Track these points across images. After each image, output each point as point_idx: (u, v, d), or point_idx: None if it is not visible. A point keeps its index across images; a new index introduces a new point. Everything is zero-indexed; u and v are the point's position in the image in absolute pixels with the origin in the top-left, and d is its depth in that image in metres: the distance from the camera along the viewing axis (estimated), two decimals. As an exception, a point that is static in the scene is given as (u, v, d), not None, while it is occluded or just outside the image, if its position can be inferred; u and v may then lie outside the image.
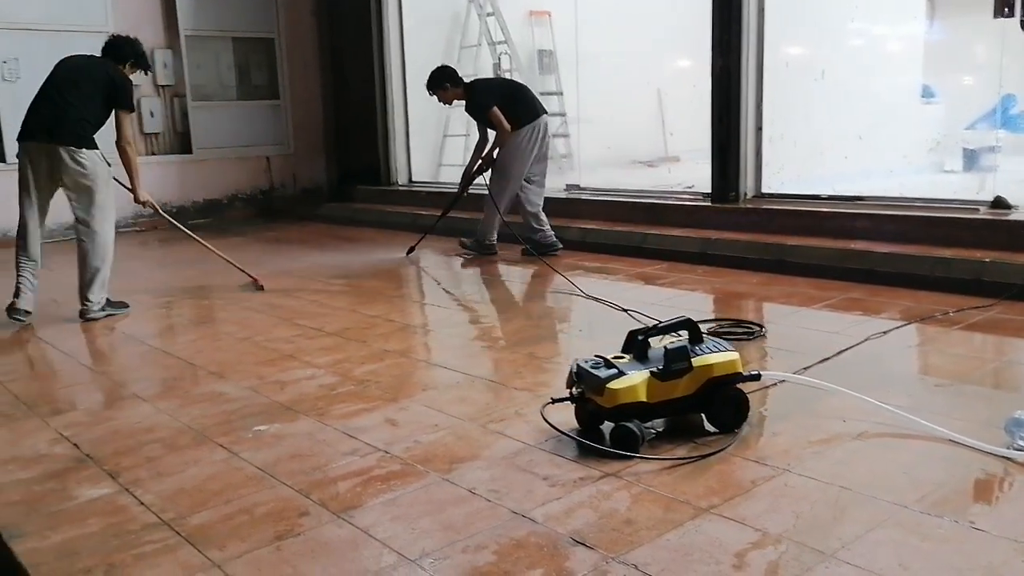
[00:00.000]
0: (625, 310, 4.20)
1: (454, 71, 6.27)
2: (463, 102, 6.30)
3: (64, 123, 4.53)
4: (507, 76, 9.34)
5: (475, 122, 6.51)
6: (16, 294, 4.62)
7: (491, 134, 6.29)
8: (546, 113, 6.24)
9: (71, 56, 4.82)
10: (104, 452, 2.76)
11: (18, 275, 4.67)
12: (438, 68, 6.31)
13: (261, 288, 5.44)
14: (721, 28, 5.96)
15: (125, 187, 5.05)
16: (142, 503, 2.37)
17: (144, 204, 5.16)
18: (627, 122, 10.41)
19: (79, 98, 4.60)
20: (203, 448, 2.76)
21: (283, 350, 3.96)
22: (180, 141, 9.32)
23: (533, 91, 6.43)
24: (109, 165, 4.75)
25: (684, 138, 10.31)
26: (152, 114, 9.05)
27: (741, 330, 3.89)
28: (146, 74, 5.33)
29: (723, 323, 4.01)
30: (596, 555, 1.98)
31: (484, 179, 6.36)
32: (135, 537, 2.17)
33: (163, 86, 9.13)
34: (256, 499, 2.36)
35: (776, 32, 6.01)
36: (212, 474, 2.55)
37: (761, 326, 3.94)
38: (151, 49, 8.92)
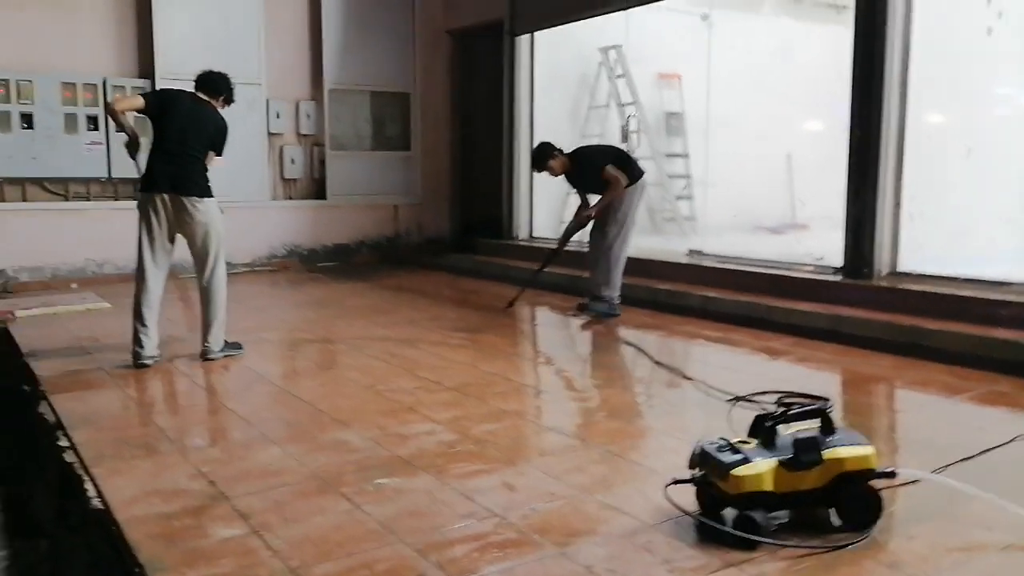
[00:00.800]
0: (738, 398, 4.04)
1: (552, 144, 6.47)
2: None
3: (188, 175, 4.75)
4: (634, 137, 9.39)
5: (576, 188, 6.64)
6: (138, 343, 4.73)
7: (591, 198, 6.43)
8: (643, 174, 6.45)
9: (179, 95, 4.97)
10: (237, 491, 2.89)
11: (139, 324, 4.74)
12: (539, 145, 6.50)
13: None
14: (861, 100, 5.83)
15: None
16: (270, 547, 2.46)
17: None
18: (755, 186, 10.24)
19: (198, 150, 4.82)
20: (328, 496, 2.86)
21: (404, 402, 4.06)
22: (316, 187, 9.80)
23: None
24: (222, 212, 4.96)
25: (814, 206, 10.06)
26: (293, 161, 9.57)
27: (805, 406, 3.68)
28: (227, 107, 5.22)
29: (788, 396, 3.86)
30: (716, 652, 1.92)
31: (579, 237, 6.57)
32: (263, 583, 2.25)
33: (304, 135, 9.65)
34: (376, 555, 2.42)
35: (918, 104, 5.82)
36: (336, 524, 2.63)
37: (827, 400, 3.74)
38: (297, 101, 9.51)
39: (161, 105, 4.88)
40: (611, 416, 4.03)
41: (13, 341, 5.52)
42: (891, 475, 2.64)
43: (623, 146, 9.09)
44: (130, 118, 4.82)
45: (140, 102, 4.86)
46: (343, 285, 8.27)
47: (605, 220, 6.28)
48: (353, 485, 2.96)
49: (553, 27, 9.17)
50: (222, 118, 5.01)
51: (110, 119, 5.01)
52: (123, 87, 8.27)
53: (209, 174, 4.91)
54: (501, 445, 3.42)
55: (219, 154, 4.97)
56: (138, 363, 4.73)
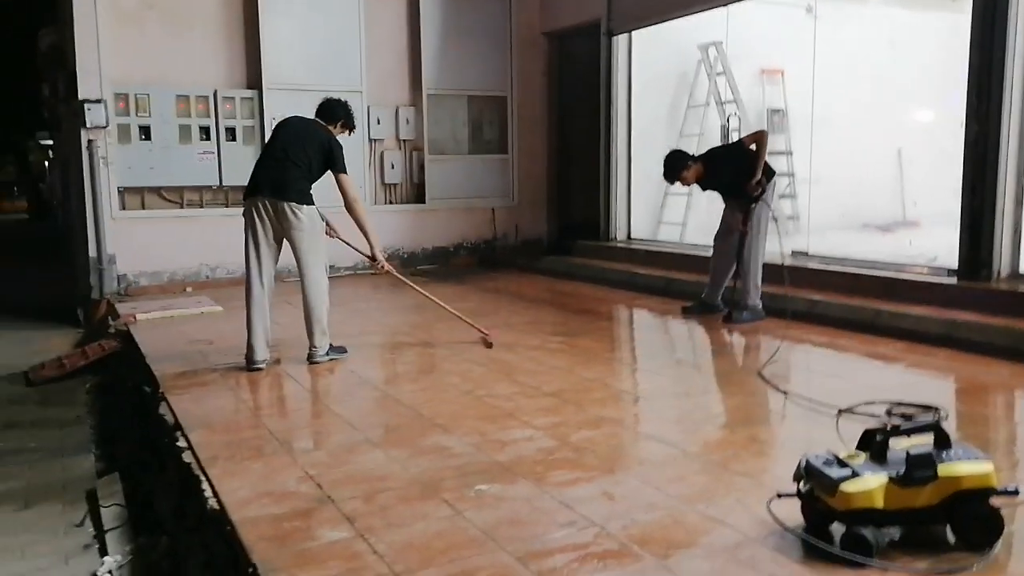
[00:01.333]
0: (842, 411, 3.92)
1: (684, 151, 6.30)
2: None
3: (288, 181, 4.89)
4: (735, 135, 9.19)
5: (716, 190, 6.33)
6: (250, 347, 4.93)
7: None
8: None
9: (291, 118, 5.21)
10: (343, 495, 2.98)
11: (250, 330, 4.92)
12: (671, 155, 6.28)
13: (490, 345, 5.53)
14: (979, 92, 5.55)
15: (363, 253, 5.39)
16: (375, 552, 2.53)
17: (381, 270, 5.42)
18: (862, 183, 9.87)
19: (301, 159, 4.95)
20: (430, 502, 2.92)
21: (503, 407, 4.10)
22: (415, 192, 10.00)
23: None
24: (323, 219, 5.09)
25: (926, 203, 9.62)
26: (392, 166, 9.79)
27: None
28: (350, 134, 5.37)
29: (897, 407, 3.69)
30: (824, 675, 1.87)
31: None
32: (369, 586, 2.32)
33: (404, 140, 9.85)
34: (477, 562, 2.46)
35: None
36: (438, 531, 2.68)
37: (940, 410, 3.57)
38: (396, 107, 9.72)
39: (275, 128, 5.20)
40: (712, 425, 3.97)
41: (135, 343, 5.85)
42: (1015, 493, 2.51)
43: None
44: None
45: None
46: (442, 288, 8.37)
47: (740, 224, 6.06)
48: (454, 491, 3.01)
49: (651, 26, 9.08)
50: (330, 135, 5.12)
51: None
52: (232, 98, 8.67)
53: (314, 186, 5.04)
54: (600, 453, 3.42)
55: (338, 170, 5.03)
56: (251, 367, 4.93)
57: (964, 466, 2.46)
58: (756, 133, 6.12)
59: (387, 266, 5.43)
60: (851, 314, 5.87)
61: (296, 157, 4.95)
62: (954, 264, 5.81)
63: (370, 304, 7.73)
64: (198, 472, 3.26)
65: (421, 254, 9.96)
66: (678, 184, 6.32)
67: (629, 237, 9.69)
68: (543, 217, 10.81)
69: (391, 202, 9.87)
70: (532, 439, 3.61)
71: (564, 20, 10.14)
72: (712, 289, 6.36)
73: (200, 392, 4.51)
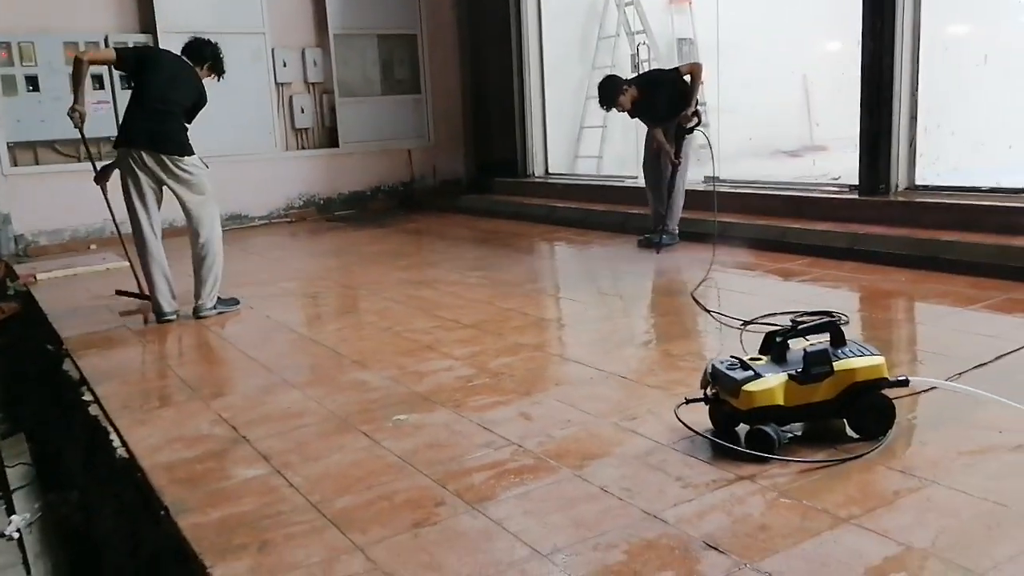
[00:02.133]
0: (747, 322, 4.06)
1: (619, 76, 6.19)
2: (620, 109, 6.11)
3: (169, 133, 4.62)
4: (645, 66, 9.19)
5: (644, 118, 6.23)
6: (155, 300, 4.77)
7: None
8: None
9: (159, 54, 4.90)
10: (258, 435, 2.95)
11: (151, 282, 4.78)
12: (606, 80, 6.15)
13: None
14: (872, 11, 5.66)
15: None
16: (291, 484, 2.53)
17: None
18: (770, 110, 10.05)
19: (178, 107, 4.67)
20: (347, 435, 2.91)
21: (422, 341, 4.10)
22: (328, 136, 9.76)
23: None
24: (207, 167, 4.82)
25: (832, 126, 9.86)
26: (303, 110, 9.51)
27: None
28: (218, 79, 5.08)
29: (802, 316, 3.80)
30: (729, 560, 1.96)
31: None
32: (285, 517, 2.32)
33: (313, 83, 9.57)
34: (395, 487, 2.47)
35: (934, 13, 5.64)
36: (355, 460, 2.69)
37: (843, 315, 3.70)
38: (302, 48, 9.40)
39: (141, 61, 4.82)
40: (629, 345, 4.05)
41: (35, 303, 5.62)
42: (904, 383, 2.65)
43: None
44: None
45: (112, 55, 4.84)
46: (361, 232, 8.29)
47: (673, 156, 6.05)
48: (372, 423, 3.01)
49: (557, -44, 8.96)
50: (203, 86, 4.86)
51: (70, 76, 4.76)
52: (125, 43, 8.25)
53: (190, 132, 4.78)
54: (518, 377, 3.46)
55: (189, 122, 4.78)
56: (160, 319, 4.80)
57: (858, 360, 2.57)
58: (692, 64, 6.07)
59: None
60: (762, 234, 6.03)
61: (174, 106, 4.67)
62: (856, 181, 5.99)
63: (286, 252, 7.59)
64: (106, 424, 3.18)
65: (338, 199, 9.78)
66: (615, 111, 6.20)
67: (547, 172, 9.69)
68: (460, 156, 10.70)
69: (303, 147, 9.61)
70: (451, 369, 3.62)
71: (470, -46, 9.93)
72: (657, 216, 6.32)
73: (107, 347, 4.38)
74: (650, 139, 6.29)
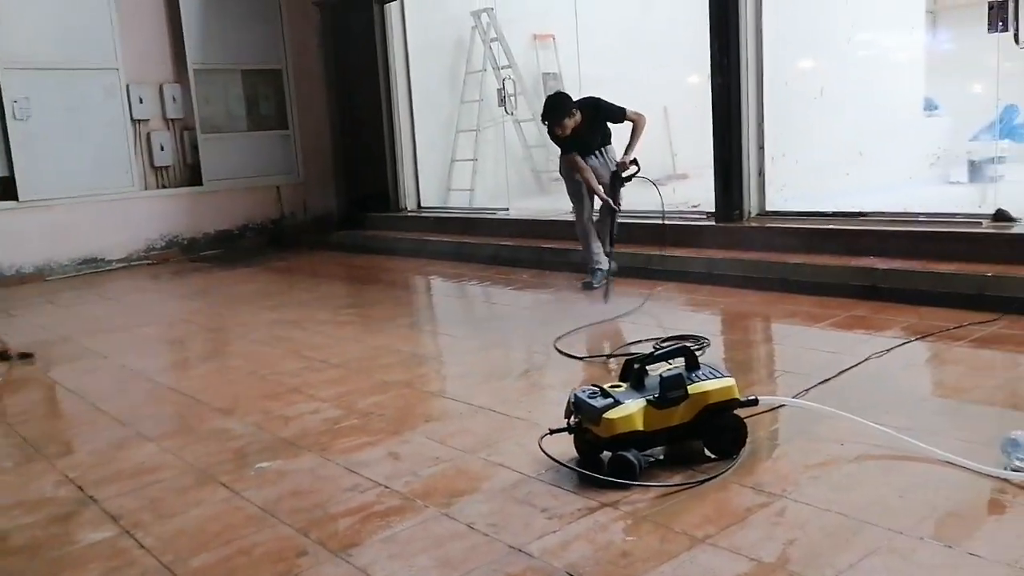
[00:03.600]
0: (610, 355, 4.18)
1: (568, 96, 5.61)
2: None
3: None
4: (512, 100, 9.34)
5: (576, 148, 5.64)
6: None
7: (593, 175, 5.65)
8: None
9: None
10: (107, 494, 2.79)
11: None
12: (556, 97, 5.60)
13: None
14: (719, 47, 5.99)
15: None
16: (143, 546, 2.39)
17: None
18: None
19: None
20: (206, 488, 2.79)
21: (289, 383, 3.99)
22: (190, 173, 9.43)
23: None
24: None
25: (691, 155, 10.32)
26: (162, 148, 9.17)
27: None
28: None
29: (666, 341, 3.97)
30: (590, 590, 1.99)
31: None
32: (135, 581, 2.19)
33: (172, 120, 9.25)
34: (255, 539, 2.38)
35: (775, 50, 6.02)
36: (213, 515, 2.57)
37: (705, 339, 3.92)
38: (160, 84, 9.08)
39: None
40: (496, 377, 4.07)
41: None
42: (754, 403, 2.77)
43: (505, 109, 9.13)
44: None
45: None
46: (228, 272, 8.03)
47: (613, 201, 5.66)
48: (232, 473, 2.90)
49: (421, -7, 9.04)
50: None
51: None
52: (-36, 81, 7.77)
53: None
54: (387, 416, 3.41)
55: None
56: None
57: (710, 383, 2.68)
58: (639, 114, 5.60)
59: None
60: (629, 261, 6.20)
61: None
62: (712, 208, 6.28)
63: (146, 295, 7.25)
64: (-63, 492, 2.93)
65: (203, 239, 9.44)
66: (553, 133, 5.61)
67: (419, 206, 9.69)
68: (332, 192, 10.55)
69: (163, 186, 9.25)
70: (318, 411, 3.54)
71: (334, -12, 9.89)
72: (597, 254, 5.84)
73: (-58, 407, 4.05)
74: (569, 169, 5.76)
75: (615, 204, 5.67)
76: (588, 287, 5.74)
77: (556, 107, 5.50)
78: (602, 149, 5.74)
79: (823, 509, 2.29)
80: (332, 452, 3.04)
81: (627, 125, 5.62)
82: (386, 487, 2.68)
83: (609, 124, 5.70)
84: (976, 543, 2.06)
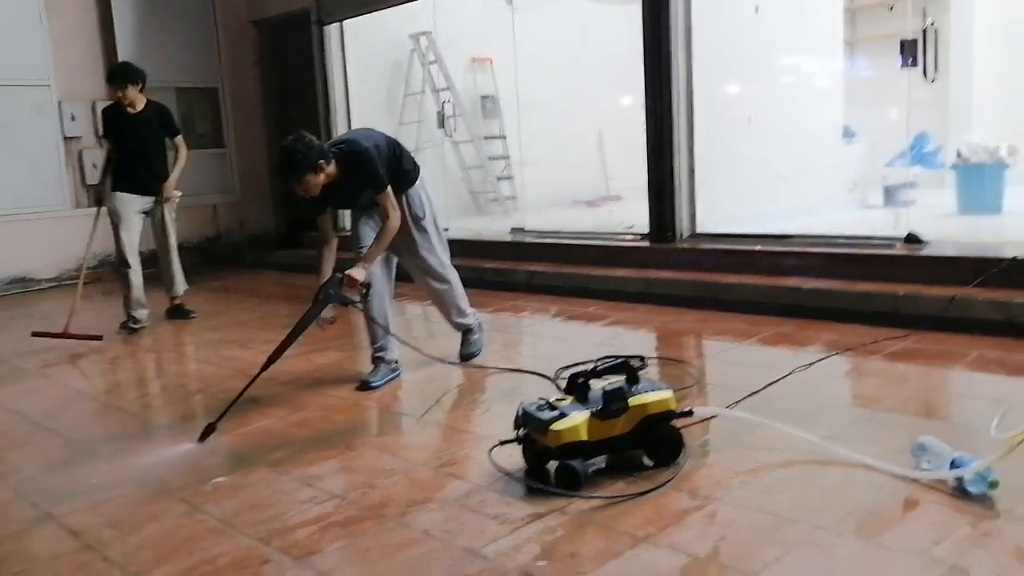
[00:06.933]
0: (559, 373, 4.34)
1: (313, 140, 4.00)
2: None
3: None
4: (451, 121, 9.50)
5: (332, 205, 4.41)
6: None
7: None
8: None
9: None
10: (64, 510, 2.82)
11: None
12: (292, 146, 3.98)
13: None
14: (652, 74, 6.25)
15: None
16: (106, 559, 2.45)
17: None
18: (569, 163, 10.72)
19: None
20: (163, 502, 2.85)
21: (238, 401, 4.03)
22: (124, 192, 9.29)
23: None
24: None
25: (625, 177, 10.64)
26: (95, 166, 9.01)
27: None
28: None
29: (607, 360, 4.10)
30: (543, 587, 2.14)
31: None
32: (102, 592, 2.25)
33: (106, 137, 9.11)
34: (217, 550, 2.46)
35: (705, 77, 6.32)
36: (173, 527, 2.64)
37: (643, 358, 4.07)
38: (93, 102, 8.96)
39: None
40: (449, 393, 4.19)
41: None
42: (689, 414, 2.97)
43: (441, 131, 9.28)
44: None
45: None
46: (163, 292, 7.93)
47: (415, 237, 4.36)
48: (189, 488, 2.96)
49: (361, 15, 9.14)
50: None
51: None
52: None
53: None
54: (340, 432, 3.51)
55: None
56: None
57: (649, 396, 2.86)
58: (392, 209, 4.10)
59: None
60: (566, 281, 6.41)
61: None
62: (647, 229, 6.54)
63: (79, 316, 7.11)
64: None
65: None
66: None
67: (358, 225, 9.72)
68: (269, 211, 10.51)
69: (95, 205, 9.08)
70: (269, 428, 3.61)
71: (272, 8, 9.90)
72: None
73: None
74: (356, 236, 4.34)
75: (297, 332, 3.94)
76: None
77: (292, 161, 3.94)
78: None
79: (752, 509, 2.48)
80: (286, 466, 3.12)
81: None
82: (343, 498, 2.79)
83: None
84: (889, 537, 2.28)
